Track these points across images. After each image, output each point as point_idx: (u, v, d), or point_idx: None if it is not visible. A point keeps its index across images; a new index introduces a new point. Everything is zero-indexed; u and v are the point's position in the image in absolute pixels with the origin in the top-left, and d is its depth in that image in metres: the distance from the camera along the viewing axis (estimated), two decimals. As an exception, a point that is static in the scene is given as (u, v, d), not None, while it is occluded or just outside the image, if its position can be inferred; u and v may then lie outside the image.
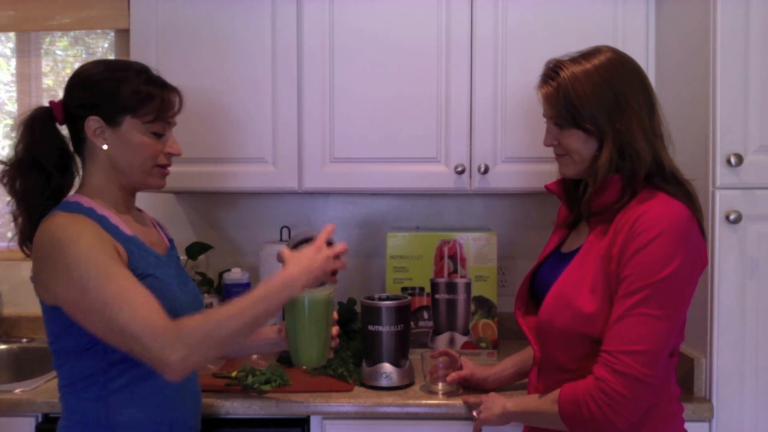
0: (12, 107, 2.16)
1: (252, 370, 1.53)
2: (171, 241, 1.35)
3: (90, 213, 1.13)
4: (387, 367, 1.52)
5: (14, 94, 2.15)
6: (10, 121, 2.17)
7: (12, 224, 1.19)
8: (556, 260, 1.27)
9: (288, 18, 1.74)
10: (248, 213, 2.10)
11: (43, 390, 1.52)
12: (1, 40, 2.16)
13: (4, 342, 1.99)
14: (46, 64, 2.14)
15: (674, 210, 1.07)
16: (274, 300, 1.13)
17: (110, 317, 1.04)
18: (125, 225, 1.18)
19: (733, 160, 1.40)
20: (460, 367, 1.51)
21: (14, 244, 1.20)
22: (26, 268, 2.03)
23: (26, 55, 2.13)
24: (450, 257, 1.77)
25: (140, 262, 1.15)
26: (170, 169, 1.26)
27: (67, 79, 1.20)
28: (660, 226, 1.04)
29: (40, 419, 1.48)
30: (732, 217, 1.40)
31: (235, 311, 1.09)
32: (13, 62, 2.14)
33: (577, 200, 1.23)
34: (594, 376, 1.06)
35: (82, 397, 1.14)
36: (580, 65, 1.14)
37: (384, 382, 1.51)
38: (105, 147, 1.17)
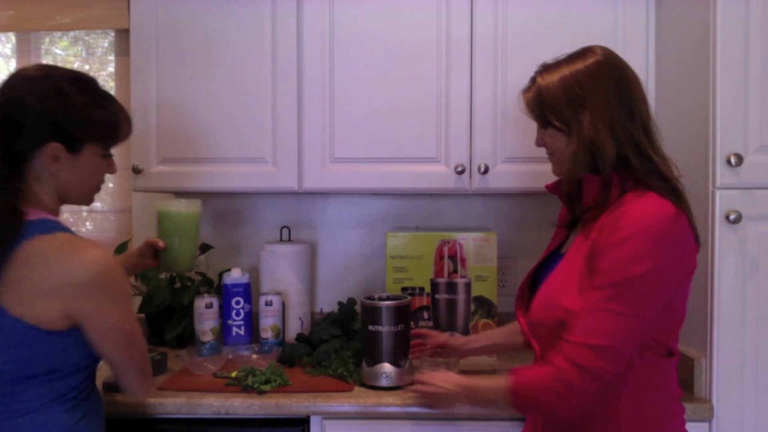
0: (12, 107, 2.16)
1: (252, 370, 1.53)
2: None
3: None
4: (387, 367, 1.52)
5: (14, 94, 2.15)
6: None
7: None
8: (555, 260, 1.27)
9: (288, 18, 1.74)
10: (248, 213, 2.10)
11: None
12: (1, 40, 2.16)
13: None
14: (46, 64, 2.15)
15: (657, 210, 1.06)
16: None
17: (135, 344, 1.15)
18: None
19: (733, 160, 1.40)
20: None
21: None
22: None
23: (26, 55, 2.13)
24: (450, 257, 1.77)
25: None
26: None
27: None
28: (637, 225, 1.04)
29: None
30: (732, 217, 1.40)
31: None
32: (13, 62, 2.14)
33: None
34: (552, 365, 1.07)
35: (52, 412, 1.08)
36: (558, 69, 1.16)
37: (384, 382, 1.51)
38: (59, 174, 1.10)
